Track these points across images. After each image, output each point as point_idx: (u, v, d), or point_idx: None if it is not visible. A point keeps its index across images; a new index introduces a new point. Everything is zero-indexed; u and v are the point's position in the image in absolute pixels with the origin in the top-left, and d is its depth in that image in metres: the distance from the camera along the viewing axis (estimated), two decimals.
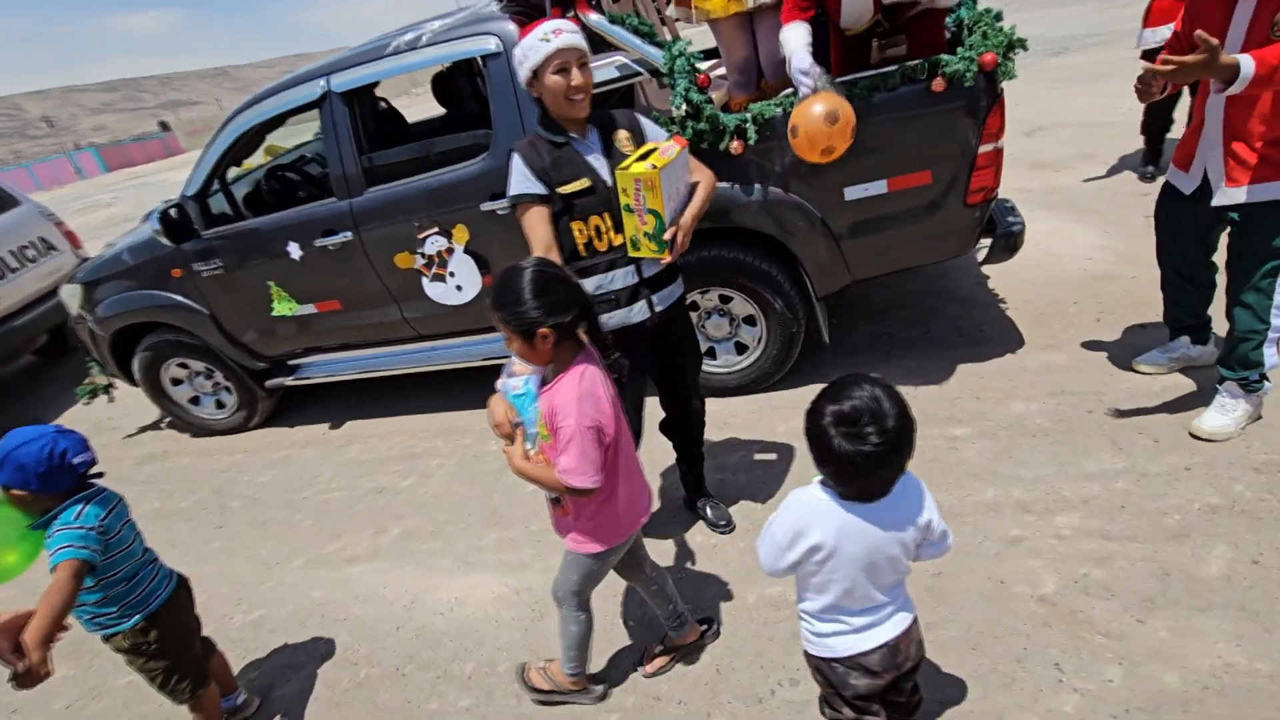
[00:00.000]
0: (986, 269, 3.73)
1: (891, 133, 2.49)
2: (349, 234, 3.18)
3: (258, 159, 4.28)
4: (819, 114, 2.20)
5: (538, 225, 1.91)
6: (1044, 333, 3.09)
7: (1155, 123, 4.22)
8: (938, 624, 1.85)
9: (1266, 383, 2.22)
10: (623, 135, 1.99)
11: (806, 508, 1.27)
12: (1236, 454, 2.18)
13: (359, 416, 3.88)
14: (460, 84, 4.15)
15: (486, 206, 2.93)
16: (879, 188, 2.59)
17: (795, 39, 2.41)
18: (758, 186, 2.66)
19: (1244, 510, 1.98)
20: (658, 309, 2.05)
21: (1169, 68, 1.83)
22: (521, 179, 1.91)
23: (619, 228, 1.93)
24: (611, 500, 1.61)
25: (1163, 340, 2.68)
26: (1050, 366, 2.84)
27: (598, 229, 1.95)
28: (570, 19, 2.71)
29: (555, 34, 1.81)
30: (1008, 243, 2.74)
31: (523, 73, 1.87)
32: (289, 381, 3.72)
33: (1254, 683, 1.55)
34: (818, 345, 3.07)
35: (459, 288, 3.17)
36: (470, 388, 3.73)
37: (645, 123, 2.05)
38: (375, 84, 3.30)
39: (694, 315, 3.06)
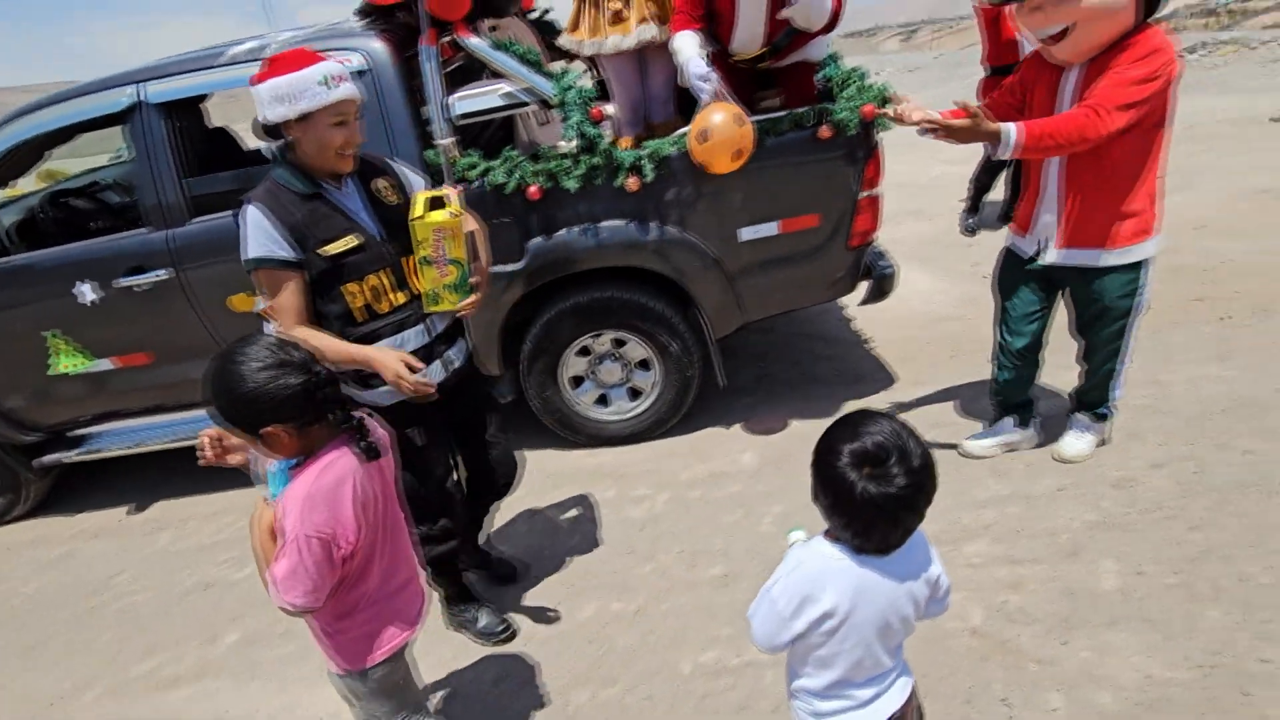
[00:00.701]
0: (849, 311, 3.96)
1: (783, 176, 2.54)
2: (165, 271, 2.63)
3: (29, 184, 3.49)
4: (728, 116, 2.21)
5: (286, 295, 1.63)
6: (910, 369, 3.30)
7: (982, 178, 4.81)
8: None
9: (1113, 413, 2.47)
10: (383, 184, 1.78)
11: (818, 567, 1.09)
12: (1097, 473, 2.40)
13: (170, 495, 3.18)
14: None
15: None
16: (772, 229, 2.63)
17: (689, 46, 2.39)
18: (654, 225, 2.58)
19: (1116, 524, 2.16)
20: (455, 366, 1.88)
21: (932, 126, 1.99)
22: (264, 239, 1.61)
23: (400, 284, 1.73)
24: (355, 612, 1.34)
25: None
26: (923, 400, 3.01)
27: (375, 290, 1.71)
28: (445, 44, 2.52)
29: (337, 81, 1.59)
30: (883, 285, 2.89)
31: (281, 110, 1.57)
32: (73, 456, 2.96)
33: (1171, 693, 1.63)
34: (708, 389, 3.01)
35: None
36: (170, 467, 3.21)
37: (401, 168, 1.87)
38: (203, 97, 2.81)
39: (584, 361, 2.88)
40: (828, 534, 1.12)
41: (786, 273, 2.72)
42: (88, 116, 2.57)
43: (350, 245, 1.66)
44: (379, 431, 1.38)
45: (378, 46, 2.48)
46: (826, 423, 1.11)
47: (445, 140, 2.45)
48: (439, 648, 2.10)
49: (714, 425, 3.05)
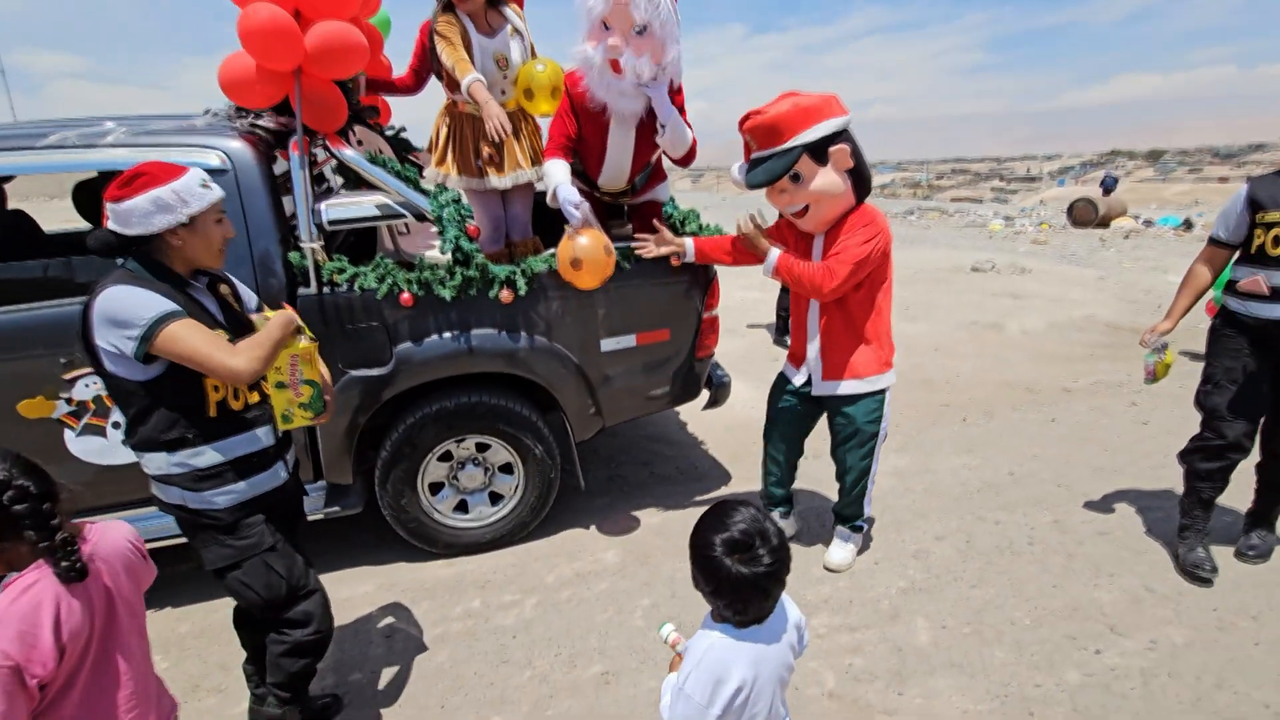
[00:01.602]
0: (684, 416, 4.35)
1: (639, 296, 2.87)
2: None
3: None
4: (597, 245, 2.49)
5: (196, 331, 1.57)
6: (742, 467, 3.70)
7: (783, 306, 5.65)
8: None
9: (867, 524, 2.86)
10: (226, 290, 1.80)
11: (718, 654, 1.22)
12: (899, 546, 2.87)
13: None
14: None
15: None
16: (630, 341, 2.91)
17: (560, 172, 2.68)
18: (524, 335, 2.73)
19: (920, 588, 2.60)
20: (290, 467, 1.91)
21: (747, 229, 2.55)
22: (153, 300, 1.54)
23: (252, 384, 1.74)
24: None
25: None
26: (756, 494, 3.38)
27: (234, 387, 1.72)
28: (320, 159, 2.56)
29: (209, 183, 1.65)
30: (721, 392, 3.29)
31: (166, 219, 1.57)
32: None
33: None
34: (565, 491, 3.11)
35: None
36: None
37: (236, 282, 1.88)
38: (8, 178, 2.49)
39: (445, 466, 2.85)
40: (712, 616, 1.27)
41: (642, 380, 2.99)
42: None
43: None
44: (106, 546, 1.28)
45: (238, 146, 2.44)
46: (682, 517, 1.34)
47: (313, 244, 2.43)
48: None
49: (574, 526, 3.13)
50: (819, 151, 2.32)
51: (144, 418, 1.63)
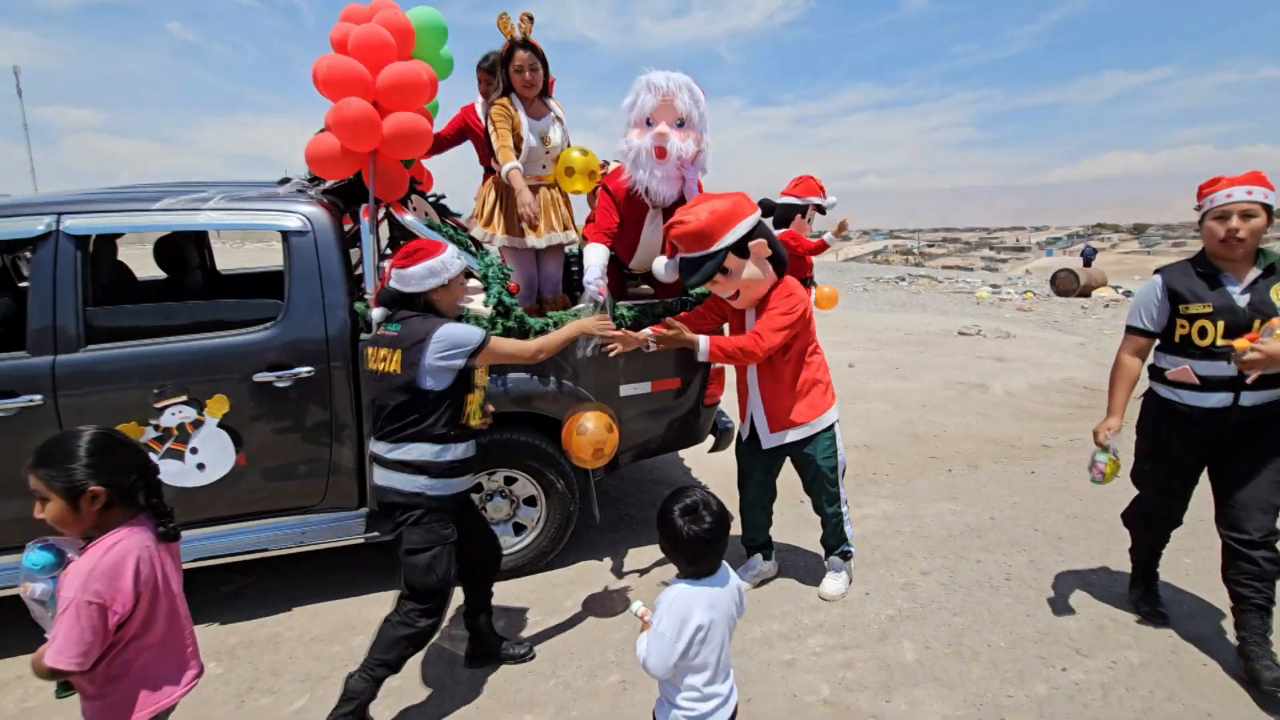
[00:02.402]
0: (687, 461, 4.65)
1: (654, 349, 3.23)
2: (36, 397, 2.52)
3: None
4: (601, 423, 2.68)
5: (504, 339, 2.33)
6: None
7: None
8: None
9: (852, 549, 3.13)
10: None
11: (682, 599, 1.62)
12: (889, 579, 3.15)
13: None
14: (188, 253, 3.77)
15: (261, 377, 2.70)
16: (645, 388, 3.26)
17: (597, 257, 3.06)
18: (552, 379, 3.08)
19: (907, 615, 2.87)
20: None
21: (643, 342, 2.81)
22: (474, 328, 2.22)
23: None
24: (123, 683, 1.52)
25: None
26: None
27: (474, 404, 2.31)
28: (379, 219, 2.97)
29: (459, 255, 2.27)
30: (725, 437, 3.62)
31: (433, 281, 2.19)
32: None
33: None
34: (579, 527, 3.39)
35: (201, 466, 2.71)
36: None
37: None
38: (120, 235, 2.88)
39: (476, 497, 3.14)
40: (677, 576, 1.68)
41: (655, 423, 3.32)
42: None
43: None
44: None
45: (316, 212, 2.85)
46: None
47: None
48: None
49: (589, 558, 3.40)
50: (740, 248, 2.67)
51: (427, 417, 2.15)
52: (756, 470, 3.05)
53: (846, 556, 3.10)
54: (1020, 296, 12.59)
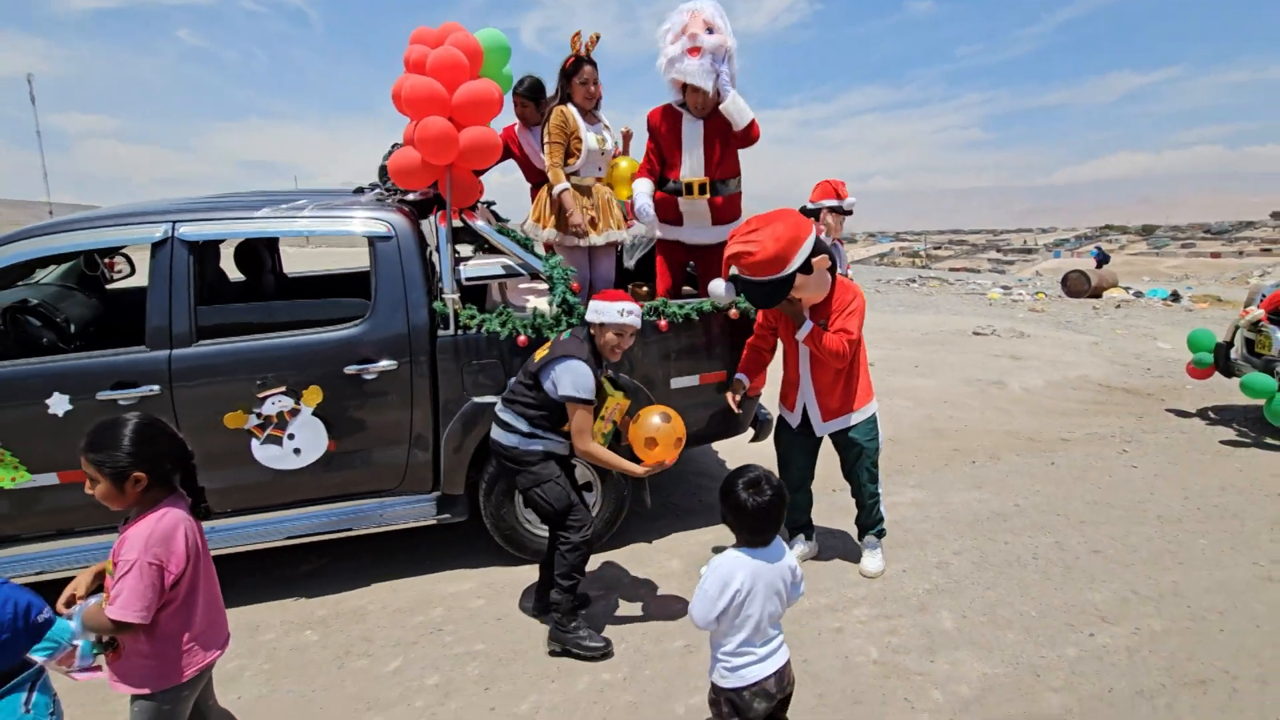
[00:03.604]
0: (721, 454, 4.89)
1: (701, 344, 3.48)
2: (155, 388, 2.79)
3: None
4: (671, 432, 2.65)
5: (586, 419, 2.62)
6: None
7: None
8: (826, 693, 2.42)
9: (885, 529, 3.39)
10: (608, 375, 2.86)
11: (729, 564, 1.82)
12: (923, 559, 3.38)
13: None
14: (263, 256, 4.05)
15: (351, 370, 2.96)
16: (694, 380, 3.50)
17: (643, 187, 3.48)
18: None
19: (943, 589, 3.10)
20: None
21: (787, 304, 2.99)
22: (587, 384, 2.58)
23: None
24: (174, 641, 1.67)
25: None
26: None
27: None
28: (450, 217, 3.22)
29: (629, 314, 2.62)
30: (765, 428, 3.86)
31: (591, 316, 2.66)
32: None
33: (998, 681, 2.47)
34: (629, 512, 3.63)
35: (297, 450, 2.97)
36: (253, 572, 3.22)
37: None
38: (224, 240, 3.15)
39: None
40: (735, 545, 1.87)
41: (702, 414, 3.57)
42: (110, 244, 2.81)
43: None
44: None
45: (399, 219, 3.11)
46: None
47: (453, 295, 3.06)
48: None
49: (639, 541, 3.64)
50: (805, 266, 2.87)
51: (546, 409, 2.63)
52: (799, 456, 3.30)
53: (881, 535, 3.35)
54: (1032, 297, 12.80)
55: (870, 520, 3.32)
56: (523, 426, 2.65)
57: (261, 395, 2.89)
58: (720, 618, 1.80)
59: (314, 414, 2.96)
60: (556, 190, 3.38)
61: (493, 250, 3.31)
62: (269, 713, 2.43)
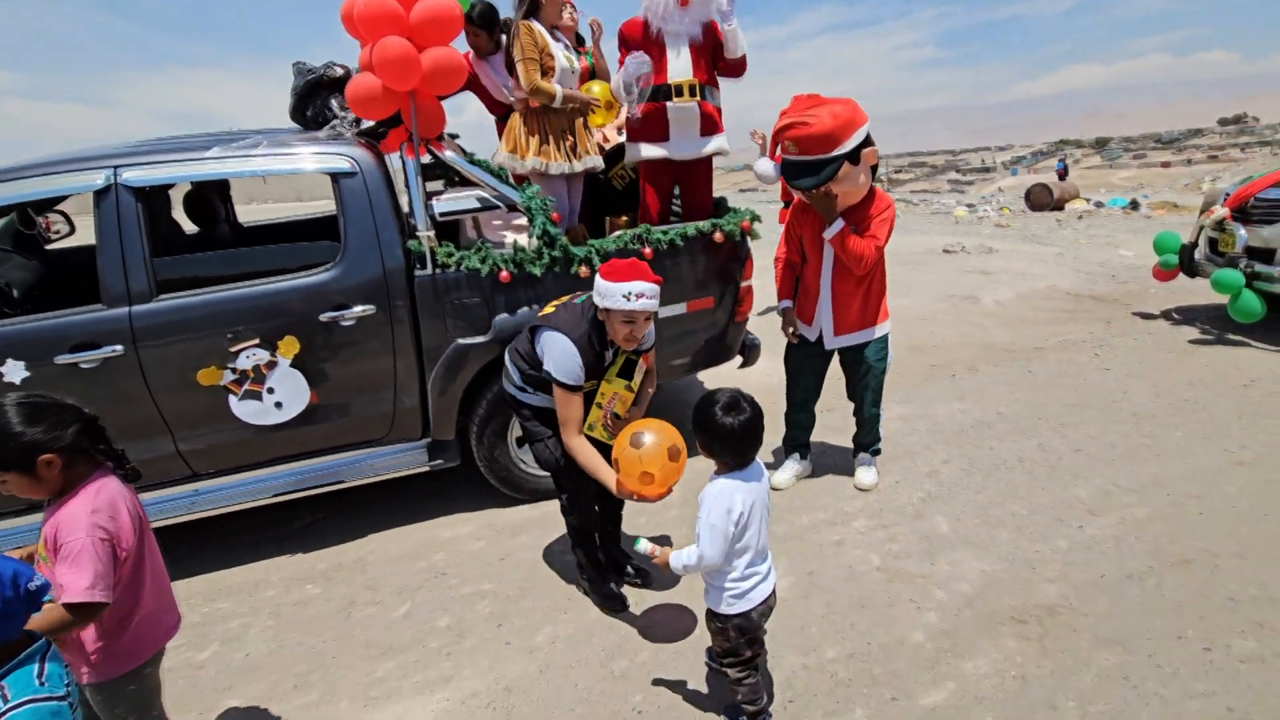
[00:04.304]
0: (709, 384, 4.89)
1: (688, 270, 3.40)
2: (118, 348, 2.63)
3: None
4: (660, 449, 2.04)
5: (574, 409, 2.29)
6: (770, 419, 4.23)
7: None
8: (834, 601, 2.48)
9: (880, 447, 3.46)
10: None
11: (724, 491, 1.79)
12: (914, 470, 3.45)
13: None
14: (215, 205, 3.79)
15: (327, 317, 2.83)
16: (681, 309, 3.44)
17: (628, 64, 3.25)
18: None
19: (936, 496, 3.18)
20: None
21: (823, 196, 2.89)
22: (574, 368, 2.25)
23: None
24: (132, 616, 1.57)
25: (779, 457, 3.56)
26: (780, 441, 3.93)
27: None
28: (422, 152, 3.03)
29: (637, 297, 2.18)
30: (753, 353, 3.84)
31: (596, 299, 2.25)
32: None
33: (997, 576, 2.57)
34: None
35: (279, 404, 2.85)
36: (245, 531, 3.15)
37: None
38: (172, 185, 2.92)
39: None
40: (716, 473, 1.84)
41: (690, 343, 3.53)
42: (48, 195, 2.58)
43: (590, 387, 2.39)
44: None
45: (362, 153, 2.92)
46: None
47: (427, 232, 2.91)
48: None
49: None
50: (854, 154, 2.80)
51: (536, 370, 2.36)
52: (810, 374, 3.30)
53: (876, 453, 3.40)
54: (996, 214, 12.90)
55: (868, 439, 3.36)
56: (516, 378, 2.49)
57: (234, 349, 2.75)
58: (729, 547, 1.79)
59: (292, 365, 2.83)
60: (559, 97, 3.21)
61: (465, 183, 3.14)
62: (281, 666, 2.41)
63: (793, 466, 3.43)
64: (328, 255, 2.92)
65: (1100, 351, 5.10)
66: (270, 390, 2.83)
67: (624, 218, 3.91)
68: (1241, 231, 5.10)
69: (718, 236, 3.38)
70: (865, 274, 2.99)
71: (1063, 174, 13.65)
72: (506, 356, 2.56)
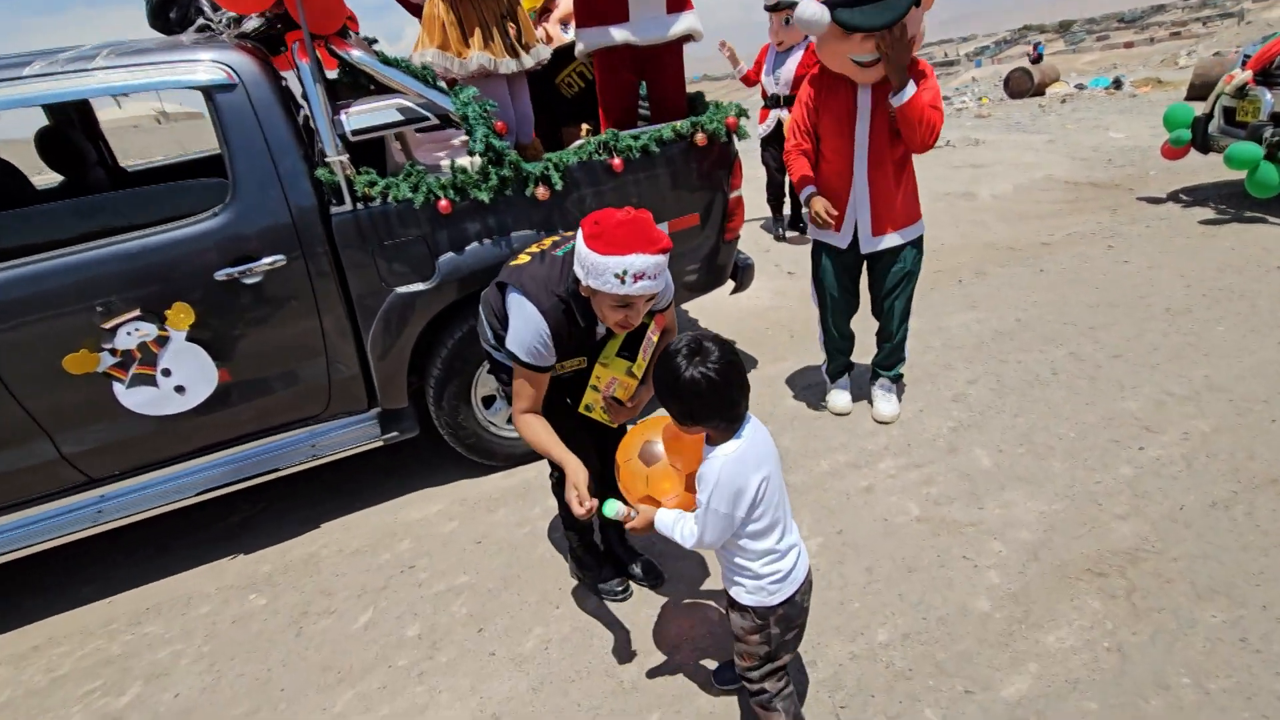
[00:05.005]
0: (693, 313, 4.40)
1: (668, 183, 2.84)
2: None
3: None
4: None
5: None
6: (765, 350, 3.80)
7: (774, 196, 5.65)
8: (874, 566, 2.10)
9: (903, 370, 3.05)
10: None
11: (730, 467, 1.36)
12: (936, 394, 3.05)
13: None
14: (82, 146, 3.08)
15: (224, 275, 2.25)
16: (661, 229, 2.89)
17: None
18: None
19: (968, 424, 2.79)
20: None
21: (899, 44, 2.34)
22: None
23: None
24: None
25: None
26: (785, 372, 3.50)
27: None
28: (323, 54, 2.38)
29: (635, 278, 1.56)
30: (747, 275, 3.34)
31: (578, 271, 1.63)
32: None
33: (1058, 516, 2.21)
34: None
35: (180, 389, 2.31)
36: (171, 535, 2.68)
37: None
38: None
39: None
40: (709, 441, 1.41)
41: (675, 268, 3.00)
42: None
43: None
44: None
45: (243, 60, 2.26)
46: None
47: (340, 157, 2.31)
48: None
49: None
50: None
51: (505, 327, 1.77)
52: (846, 286, 2.88)
53: (898, 379, 2.99)
54: (975, 104, 12.23)
55: (893, 360, 2.95)
56: (488, 333, 1.93)
57: (109, 325, 2.17)
58: (746, 526, 1.40)
59: (189, 339, 2.28)
60: None
61: (382, 90, 2.50)
62: (217, 708, 1.98)
63: (843, 396, 3.04)
64: (215, 197, 2.32)
65: (1113, 243, 4.69)
66: (166, 372, 2.28)
67: (585, 125, 3.30)
68: (1268, 96, 4.62)
69: (700, 138, 2.81)
70: (925, 150, 2.49)
71: (1038, 58, 12.92)
72: (480, 305, 1.98)
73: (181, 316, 2.25)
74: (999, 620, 1.85)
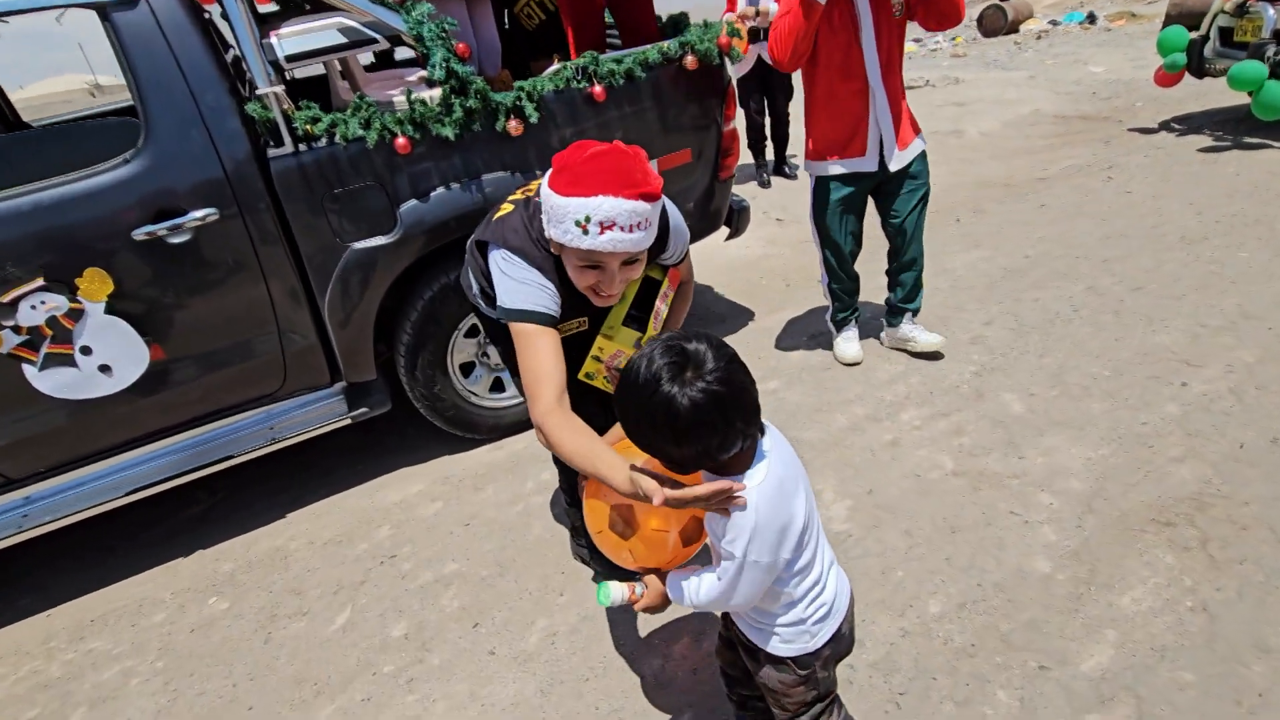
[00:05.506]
0: None
1: (656, 114, 2.53)
2: None
3: None
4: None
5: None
6: (760, 302, 3.55)
7: (756, 140, 5.32)
8: (913, 529, 1.89)
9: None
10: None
11: (767, 505, 0.99)
12: (952, 339, 2.81)
13: None
14: None
15: (142, 233, 1.91)
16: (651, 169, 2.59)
17: None
18: (540, 174, 2.37)
19: (992, 368, 2.58)
20: None
21: None
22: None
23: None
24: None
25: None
26: (785, 321, 3.25)
27: None
28: None
29: (605, 228, 1.20)
30: (743, 218, 3.05)
31: (544, 220, 1.30)
32: None
33: (1109, 463, 2.02)
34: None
35: (104, 368, 1.98)
36: (120, 534, 2.37)
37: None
38: None
39: (474, 342, 2.55)
40: (737, 474, 1.01)
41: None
42: None
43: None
44: None
45: None
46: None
47: (273, 89, 1.95)
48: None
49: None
50: None
51: (490, 285, 1.45)
52: (853, 217, 2.65)
53: (916, 311, 2.78)
54: (950, 43, 11.90)
55: (914, 290, 2.74)
56: (473, 287, 1.64)
57: (7, 299, 1.83)
58: (789, 568, 1.06)
59: (109, 312, 1.94)
60: None
61: (320, 8, 2.13)
62: None
63: (855, 344, 2.81)
64: (127, 141, 1.95)
65: (1112, 173, 4.49)
66: (86, 350, 1.94)
67: (555, 56, 2.94)
68: (1270, 12, 4.40)
69: (690, 61, 2.49)
70: (962, 16, 2.34)
71: None
72: (466, 258, 1.64)
73: (96, 285, 1.91)
74: (1063, 582, 1.65)
